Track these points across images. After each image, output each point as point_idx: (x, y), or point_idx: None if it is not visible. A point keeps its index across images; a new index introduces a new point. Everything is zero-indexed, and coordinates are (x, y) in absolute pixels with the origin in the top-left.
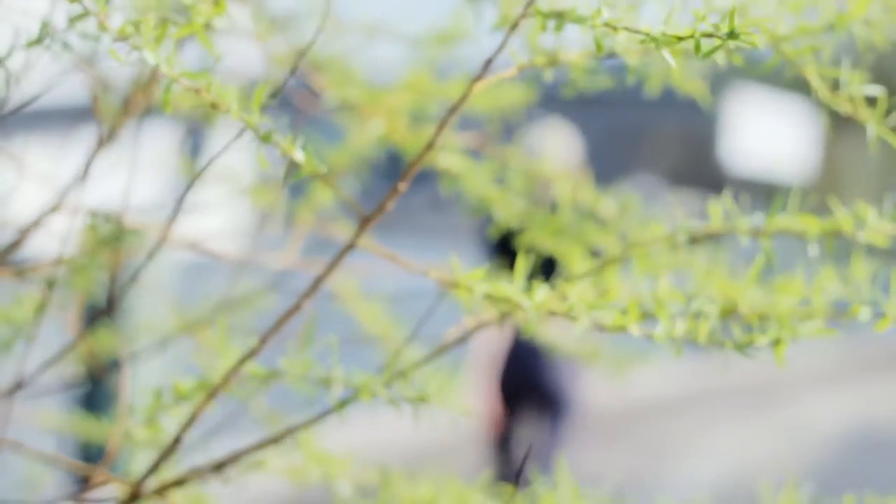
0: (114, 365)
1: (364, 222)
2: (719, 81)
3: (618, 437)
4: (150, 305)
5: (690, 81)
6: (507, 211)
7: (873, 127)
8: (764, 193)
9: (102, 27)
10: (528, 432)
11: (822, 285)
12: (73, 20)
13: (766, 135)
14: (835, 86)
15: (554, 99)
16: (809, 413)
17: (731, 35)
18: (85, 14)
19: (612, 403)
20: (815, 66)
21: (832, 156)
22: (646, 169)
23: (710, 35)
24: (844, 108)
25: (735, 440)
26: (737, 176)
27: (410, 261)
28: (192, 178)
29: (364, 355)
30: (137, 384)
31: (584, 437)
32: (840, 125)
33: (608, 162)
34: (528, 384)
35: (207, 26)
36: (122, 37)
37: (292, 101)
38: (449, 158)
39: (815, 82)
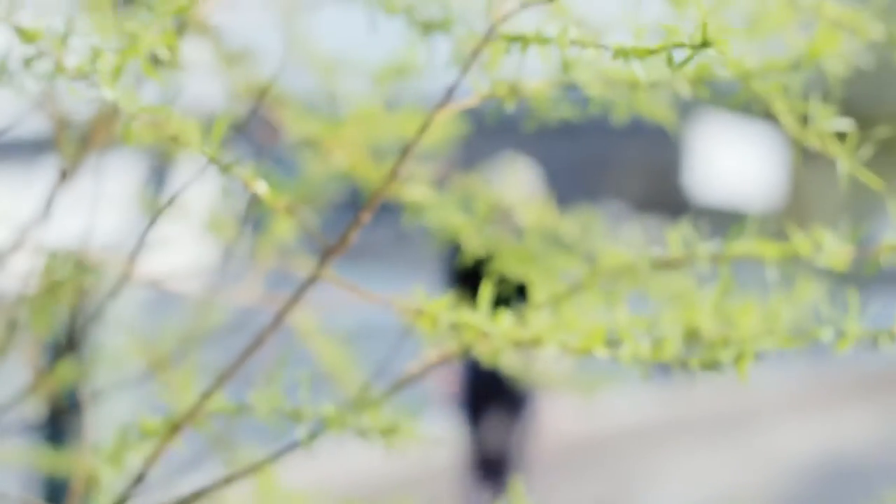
0: (78, 402)
1: (326, 254)
2: (686, 108)
3: (587, 466)
4: (115, 341)
5: (657, 108)
6: (472, 240)
7: (844, 163)
8: (731, 221)
9: (60, 68)
10: (494, 433)
11: (780, 309)
12: (27, 62)
13: (733, 162)
14: (804, 120)
15: (518, 127)
16: (778, 441)
17: (704, 44)
18: (41, 55)
19: (581, 432)
20: (784, 101)
21: (800, 182)
22: (611, 196)
23: (681, 45)
24: (813, 143)
25: (704, 469)
26: (703, 203)
27: (374, 292)
28: (155, 213)
29: (326, 390)
30: (106, 419)
31: (554, 466)
32: (808, 152)
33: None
34: (493, 386)
35: (160, 61)
36: (80, 75)
37: (253, 135)
38: (411, 190)
39: (784, 117)
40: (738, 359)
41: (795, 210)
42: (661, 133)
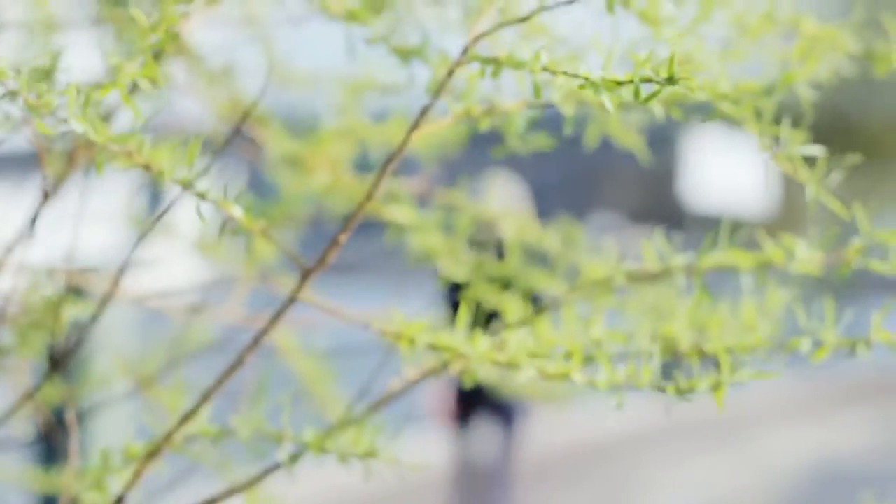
0: (65, 421)
1: (305, 275)
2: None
3: (581, 474)
4: (102, 359)
5: (628, 132)
6: (450, 262)
7: (812, 188)
8: (725, 229)
9: (29, 106)
10: (484, 445)
11: (756, 319)
12: None
13: (728, 170)
14: (776, 143)
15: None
16: (772, 446)
17: (671, 80)
18: (12, 93)
19: (574, 440)
20: (755, 124)
21: (792, 190)
22: (606, 208)
23: (649, 80)
24: (784, 167)
25: (699, 475)
26: (699, 212)
27: (355, 311)
28: (141, 233)
29: (308, 408)
30: (100, 437)
31: (547, 475)
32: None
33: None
34: (482, 397)
35: (137, 87)
36: (48, 110)
37: (234, 153)
38: (393, 207)
39: (757, 139)
40: (716, 387)
41: (790, 216)
42: (655, 143)
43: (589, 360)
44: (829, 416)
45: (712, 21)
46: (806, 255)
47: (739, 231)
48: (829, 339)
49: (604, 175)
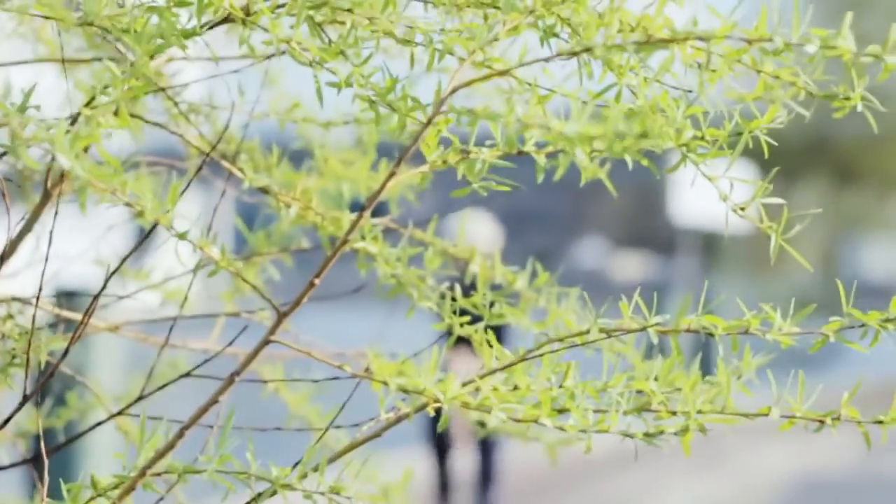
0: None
1: (280, 318)
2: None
3: (565, 490)
4: (85, 389)
5: (598, 169)
6: (418, 295)
7: (775, 239)
8: (713, 246)
9: (15, 137)
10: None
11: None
12: None
13: (715, 189)
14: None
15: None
16: (756, 459)
17: (643, 136)
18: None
19: (560, 458)
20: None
21: (781, 206)
22: (594, 232)
23: (622, 135)
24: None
25: (684, 488)
26: (686, 231)
27: (332, 348)
28: (118, 264)
29: (292, 440)
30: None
31: (529, 491)
32: (787, 176)
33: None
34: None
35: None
36: (35, 141)
37: (213, 185)
38: (365, 243)
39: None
40: (683, 432)
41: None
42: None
43: (560, 409)
44: (800, 431)
45: (674, 65)
46: (782, 327)
47: (728, 251)
48: (798, 411)
49: (592, 199)
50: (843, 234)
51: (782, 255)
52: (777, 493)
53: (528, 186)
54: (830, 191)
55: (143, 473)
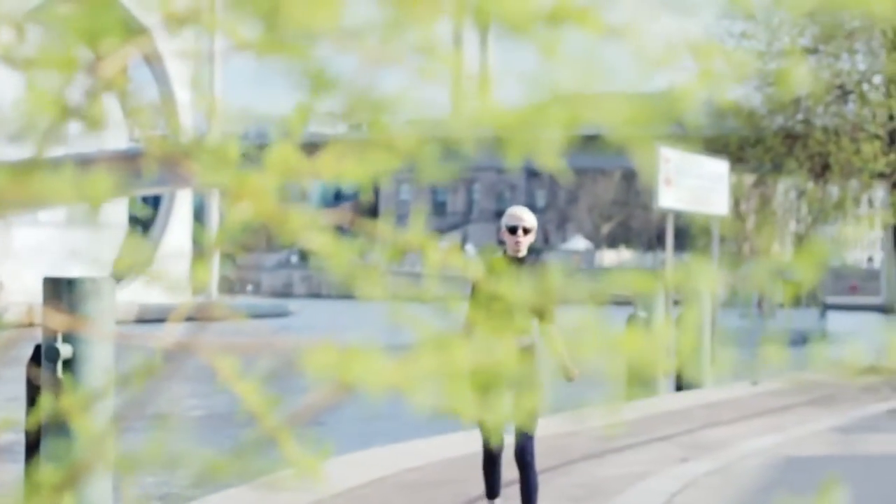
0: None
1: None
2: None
3: (551, 471)
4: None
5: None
6: (370, 289)
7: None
8: (698, 239)
9: None
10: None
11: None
12: None
13: (697, 183)
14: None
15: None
16: (731, 441)
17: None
18: None
19: (544, 448)
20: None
21: (762, 197)
22: (580, 231)
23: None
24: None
25: (665, 468)
26: (667, 226)
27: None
28: (82, 267)
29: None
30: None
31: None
32: (767, 169)
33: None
34: None
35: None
36: None
37: (167, 183)
38: (315, 238)
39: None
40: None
41: (761, 222)
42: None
43: (489, 387)
44: (784, 411)
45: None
46: (709, 277)
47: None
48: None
49: (576, 197)
50: (819, 223)
51: (762, 246)
52: (757, 468)
53: (512, 186)
54: (809, 178)
55: (85, 465)
